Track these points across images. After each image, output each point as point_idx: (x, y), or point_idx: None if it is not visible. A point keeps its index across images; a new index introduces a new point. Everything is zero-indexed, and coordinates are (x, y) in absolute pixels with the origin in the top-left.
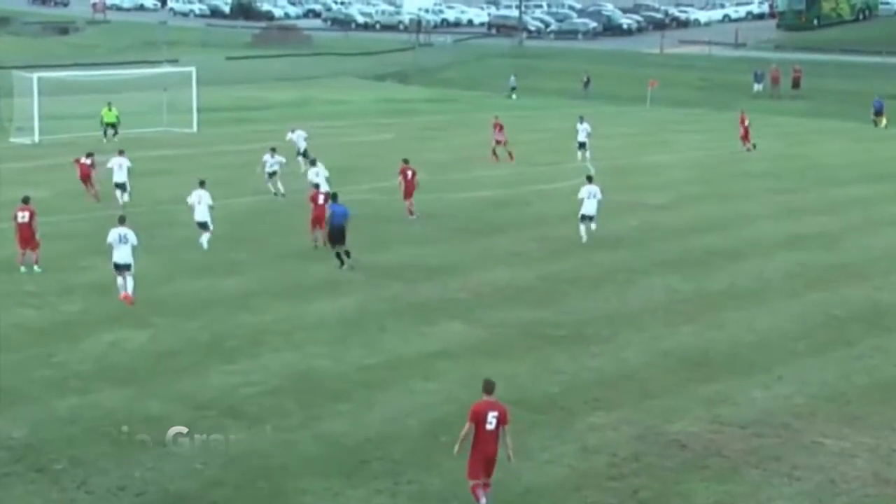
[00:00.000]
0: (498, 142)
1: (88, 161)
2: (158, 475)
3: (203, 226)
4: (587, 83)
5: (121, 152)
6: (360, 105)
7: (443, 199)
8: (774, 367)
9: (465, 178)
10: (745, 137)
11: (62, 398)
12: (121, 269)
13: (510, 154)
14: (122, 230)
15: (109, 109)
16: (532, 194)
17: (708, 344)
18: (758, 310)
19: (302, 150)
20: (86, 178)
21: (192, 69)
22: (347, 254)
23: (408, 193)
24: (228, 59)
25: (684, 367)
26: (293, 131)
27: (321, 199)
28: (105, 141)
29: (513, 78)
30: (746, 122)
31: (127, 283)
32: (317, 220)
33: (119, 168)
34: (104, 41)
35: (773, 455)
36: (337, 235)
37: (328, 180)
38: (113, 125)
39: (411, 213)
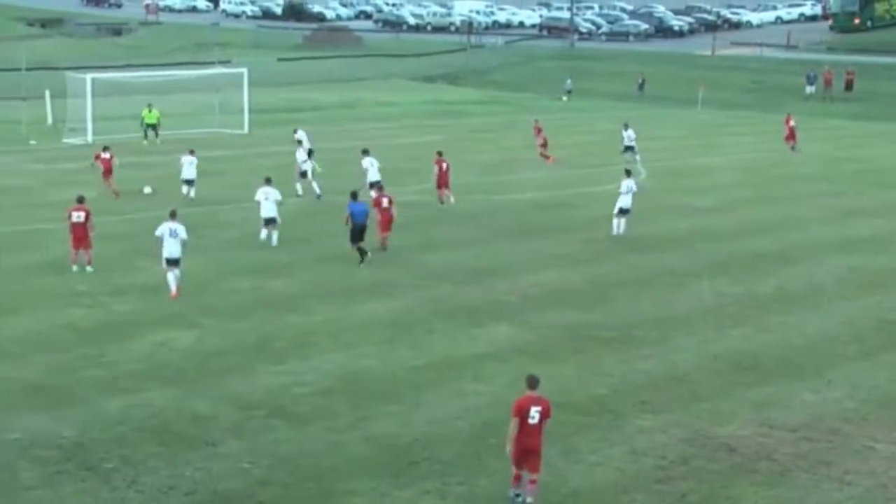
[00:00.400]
0: (541, 146)
1: (108, 155)
2: (207, 475)
3: (271, 221)
4: (642, 85)
5: (191, 151)
6: (409, 106)
7: (490, 201)
8: (825, 371)
9: (512, 180)
10: (790, 138)
11: (112, 398)
12: (171, 263)
13: (548, 157)
14: (173, 225)
15: (150, 111)
16: (580, 196)
17: (758, 347)
18: (808, 313)
19: (307, 150)
20: (108, 172)
21: (244, 70)
22: (361, 251)
23: (441, 184)
24: (280, 60)
25: (734, 370)
26: (296, 132)
27: (385, 203)
28: (145, 143)
29: (569, 81)
30: (792, 123)
31: (175, 275)
32: (386, 224)
33: (189, 165)
34: (156, 42)
35: (823, 459)
36: (357, 234)
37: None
38: (153, 126)
39: (441, 201)
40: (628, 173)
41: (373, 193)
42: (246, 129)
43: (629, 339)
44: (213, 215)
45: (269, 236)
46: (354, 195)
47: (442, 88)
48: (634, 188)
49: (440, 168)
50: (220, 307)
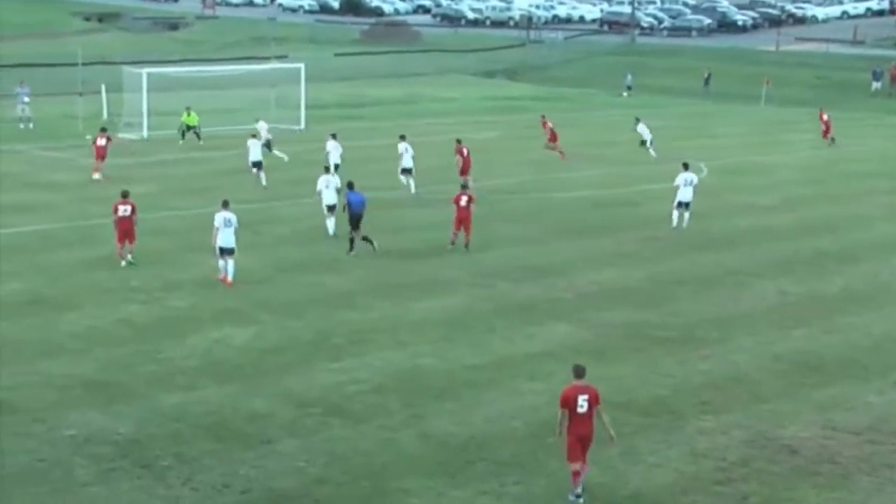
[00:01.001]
0: (549, 140)
1: (103, 142)
2: (262, 472)
3: (331, 209)
4: (707, 80)
5: (333, 136)
6: (466, 102)
7: (548, 199)
8: (890, 373)
9: (570, 177)
10: (827, 132)
11: (168, 394)
12: (224, 252)
13: (560, 152)
14: (227, 214)
15: (189, 114)
16: (640, 194)
17: (821, 348)
18: (873, 314)
19: (265, 142)
20: (100, 158)
21: (301, 65)
22: (367, 239)
23: (465, 171)
24: (337, 55)
25: (797, 371)
26: (257, 121)
27: (464, 201)
28: (181, 143)
29: (629, 77)
30: (825, 117)
31: (228, 267)
32: (461, 222)
33: (335, 150)
34: (213, 37)
35: (886, 462)
36: (355, 222)
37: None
38: (193, 128)
39: (472, 184)
40: (686, 166)
41: (403, 179)
42: (303, 125)
43: (690, 338)
44: (270, 211)
45: (326, 223)
46: (351, 185)
47: (501, 84)
48: (695, 181)
49: (461, 155)
50: (276, 303)
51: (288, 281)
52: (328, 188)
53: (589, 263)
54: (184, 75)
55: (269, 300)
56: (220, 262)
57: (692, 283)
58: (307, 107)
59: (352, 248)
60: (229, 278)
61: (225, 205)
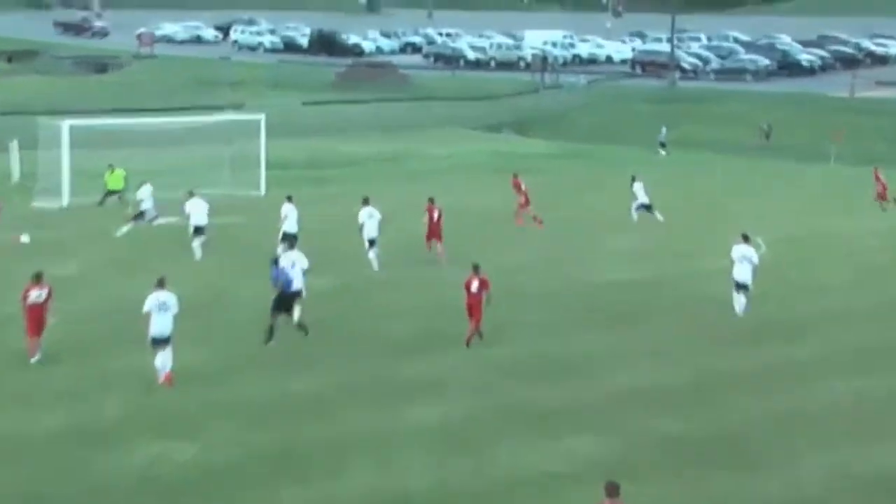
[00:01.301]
0: (521, 205)
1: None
2: None
3: (373, 243)
4: (768, 133)
5: (289, 198)
6: (465, 160)
7: (570, 278)
8: None
9: (597, 251)
10: (883, 195)
11: None
12: (159, 343)
13: (534, 218)
14: (163, 295)
15: (112, 172)
16: (683, 273)
17: None
18: None
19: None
20: None
21: (261, 116)
22: (301, 327)
23: (432, 234)
24: (305, 104)
25: (878, 494)
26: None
27: (475, 287)
28: (100, 207)
29: (664, 130)
30: (882, 178)
31: (165, 360)
32: (470, 309)
33: (292, 215)
34: (152, 81)
35: None
36: (286, 303)
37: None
38: (116, 192)
39: (439, 254)
40: (746, 238)
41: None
42: (262, 190)
43: (745, 452)
44: (222, 292)
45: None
46: (276, 261)
47: (508, 139)
48: (753, 257)
49: (430, 217)
50: (230, 410)
51: (244, 382)
52: (371, 218)
53: (621, 358)
54: (115, 129)
55: (221, 406)
56: (158, 360)
57: (747, 383)
58: (269, 167)
59: (270, 337)
60: (167, 371)
61: (160, 284)
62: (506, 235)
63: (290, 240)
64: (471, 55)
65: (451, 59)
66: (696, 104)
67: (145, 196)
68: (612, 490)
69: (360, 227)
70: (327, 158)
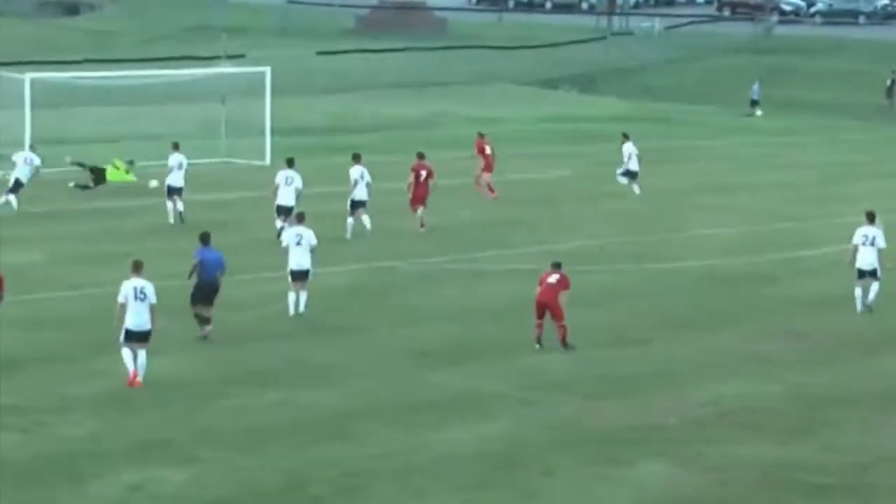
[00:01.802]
0: (482, 169)
1: None
2: None
3: (305, 275)
4: (891, 89)
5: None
6: (518, 126)
7: (643, 272)
8: None
9: (675, 238)
10: None
11: None
12: (134, 338)
13: (489, 186)
14: (140, 283)
15: (126, 170)
16: (779, 265)
17: None
18: None
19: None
20: None
21: (266, 70)
22: (205, 320)
23: (417, 199)
24: (319, 53)
25: None
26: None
27: (553, 279)
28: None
29: (756, 86)
30: None
31: (139, 360)
32: (541, 307)
33: (179, 168)
34: (133, 26)
35: None
36: (208, 293)
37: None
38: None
39: (422, 225)
40: (871, 218)
41: (350, 220)
42: (268, 160)
43: (859, 487)
44: (221, 289)
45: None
46: (206, 238)
47: (569, 98)
48: (881, 242)
49: (417, 177)
50: (226, 431)
51: (242, 397)
52: (299, 245)
53: (704, 370)
54: (87, 84)
55: (215, 427)
56: (127, 356)
57: (863, 403)
58: (274, 132)
59: (203, 328)
60: (139, 377)
61: (136, 269)
62: (569, 218)
63: (285, 214)
64: None
65: (497, 0)
66: (797, 56)
67: (19, 162)
68: None
69: (354, 185)
70: (347, 122)
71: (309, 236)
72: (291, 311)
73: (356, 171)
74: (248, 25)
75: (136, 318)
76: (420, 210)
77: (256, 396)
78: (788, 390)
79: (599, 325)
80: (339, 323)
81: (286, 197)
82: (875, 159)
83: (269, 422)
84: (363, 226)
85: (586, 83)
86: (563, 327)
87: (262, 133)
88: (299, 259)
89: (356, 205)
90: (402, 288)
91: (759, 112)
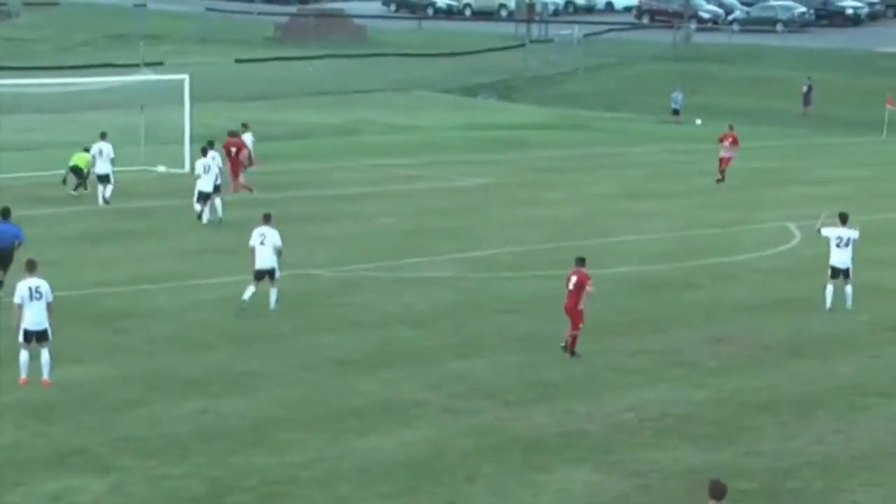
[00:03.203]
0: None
1: None
2: None
3: (271, 274)
4: (807, 95)
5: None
6: (439, 133)
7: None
8: None
9: (598, 245)
10: None
11: None
12: (33, 338)
13: (245, 185)
14: (35, 282)
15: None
16: (701, 271)
17: None
18: None
19: None
20: None
21: (185, 77)
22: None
23: (234, 174)
24: (239, 61)
25: None
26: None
27: (573, 282)
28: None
29: (677, 94)
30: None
31: (42, 361)
32: (571, 311)
33: (101, 155)
34: (50, 34)
35: None
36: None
37: None
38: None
39: (250, 189)
40: (843, 219)
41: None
42: (186, 167)
43: (780, 493)
44: (139, 299)
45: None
46: (5, 213)
47: (488, 106)
48: (854, 238)
49: (229, 154)
50: (146, 440)
51: (163, 405)
52: (263, 245)
53: (626, 376)
54: (5, 91)
55: (135, 435)
56: (23, 357)
57: (783, 407)
58: (194, 140)
59: None
60: (46, 377)
61: (30, 268)
62: (490, 226)
63: (205, 199)
64: (441, 1)
65: (416, 7)
66: (716, 63)
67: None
68: (719, 491)
69: (197, 177)
70: (267, 130)
71: (273, 237)
72: (246, 296)
73: (202, 165)
74: (167, 33)
75: (34, 317)
76: (240, 184)
77: (177, 405)
78: (710, 396)
79: (516, 331)
80: (259, 331)
81: (206, 183)
82: (796, 166)
83: (190, 430)
84: (216, 212)
85: (506, 90)
86: (574, 335)
87: (182, 141)
88: (263, 258)
89: (204, 196)
90: (322, 295)
91: (698, 121)
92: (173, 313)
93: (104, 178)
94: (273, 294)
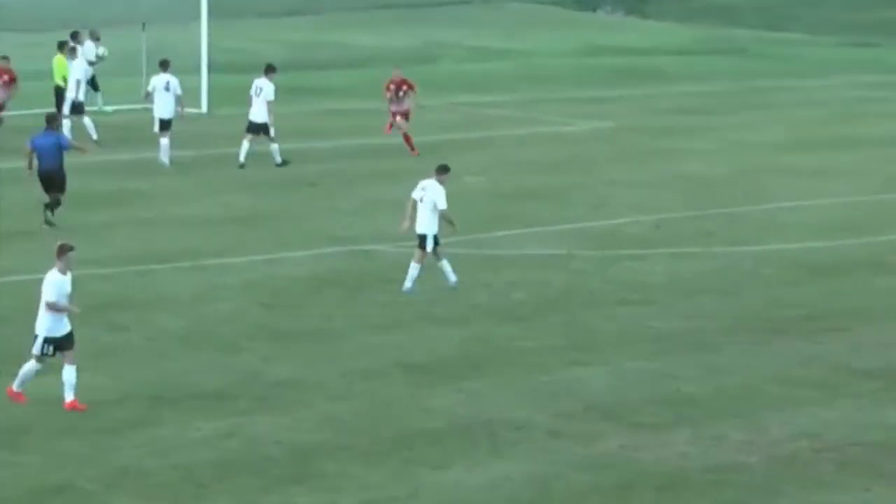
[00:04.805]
0: (395, 114)
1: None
2: None
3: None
4: None
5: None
6: (544, 61)
7: (721, 255)
8: None
9: (758, 213)
10: None
11: None
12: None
13: (408, 143)
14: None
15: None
16: None
17: None
18: None
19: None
20: None
21: None
22: (50, 208)
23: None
24: None
25: None
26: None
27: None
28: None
29: None
30: None
31: (64, 377)
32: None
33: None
34: None
35: None
36: (48, 181)
37: None
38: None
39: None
40: None
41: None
42: (204, 107)
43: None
44: (141, 284)
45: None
46: (51, 119)
47: (612, 23)
48: None
49: (390, 91)
50: (150, 473)
51: (177, 425)
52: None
53: (795, 391)
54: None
55: (135, 467)
56: (30, 366)
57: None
58: (213, 69)
59: (47, 218)
60: (69, 397)
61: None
62: (616, 184)
63: (166, 127)
64: None
65: None
66: None
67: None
68: None
69: (147, 96)
70: (311, 55)
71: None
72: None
73: (158, 81)
74: None
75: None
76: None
77: (191, 426)
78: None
79: (654, 328)
80: (300, 326)
81: (165, 108)
82: None
83: (209, 460)
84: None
85: (635, 2)
86: None
87: (197, 70)
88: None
89: (164, 124)
90: (385, 279)
91: None
92: (186, 303)
93: (165, 126)
94: (446, 265)
